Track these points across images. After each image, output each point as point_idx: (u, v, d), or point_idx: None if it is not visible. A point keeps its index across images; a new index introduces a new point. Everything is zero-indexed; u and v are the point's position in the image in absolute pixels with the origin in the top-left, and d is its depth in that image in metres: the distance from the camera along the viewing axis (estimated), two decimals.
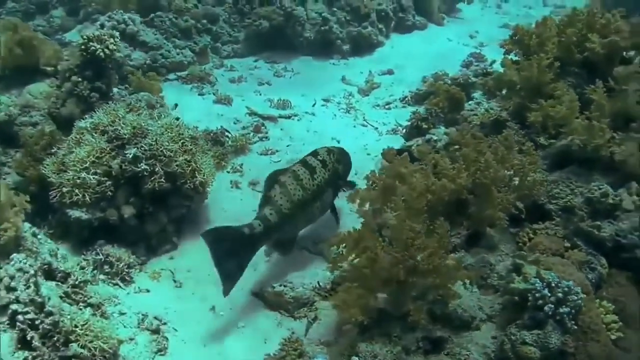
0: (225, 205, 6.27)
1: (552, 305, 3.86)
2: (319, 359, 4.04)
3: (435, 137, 6.43)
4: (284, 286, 5.38)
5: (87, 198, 5.42)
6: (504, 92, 6.29)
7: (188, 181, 5.66)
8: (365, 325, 4.11)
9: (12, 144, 6.32)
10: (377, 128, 7.68)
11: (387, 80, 8.96)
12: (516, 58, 6.26)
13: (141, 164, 5.47)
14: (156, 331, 4.97)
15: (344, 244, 4.24)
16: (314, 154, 5.83)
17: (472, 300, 4.31)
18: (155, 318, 5.08)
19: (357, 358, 3.95)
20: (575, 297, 3.90)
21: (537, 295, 3.91)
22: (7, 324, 4.19)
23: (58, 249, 5.02)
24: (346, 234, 4.24)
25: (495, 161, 4.71)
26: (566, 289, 3.90)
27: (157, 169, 5.50)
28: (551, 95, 5.77)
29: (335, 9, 9.62)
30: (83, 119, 5.86)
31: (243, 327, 5.17)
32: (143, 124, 5.63)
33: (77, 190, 5.42)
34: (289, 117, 7.79)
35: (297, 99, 8.28)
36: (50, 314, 4.30)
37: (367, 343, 4.04)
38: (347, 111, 8.04)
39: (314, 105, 8.23)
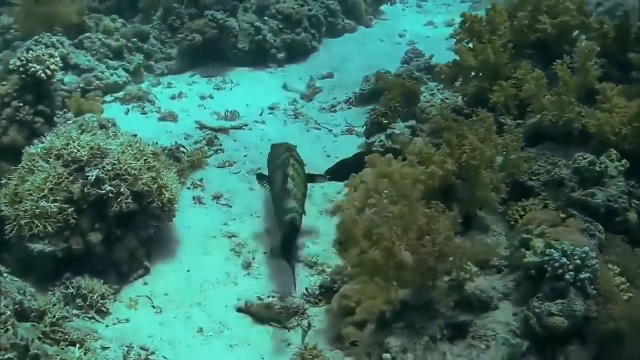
0: (192, 222, 5.81)
1: (573, 273, 3.72)
2: None
3: (397, 132, 6.20)
4: (272, 297, 5.00)
5: (49, 228, 4.85)
6: (460, 79, 6.18)
7: (156, 200, 5.18)
8: (385, 319, 3.84)
9: None
10: (331, 130, 7.40)
11: (327, 84, 8.71)
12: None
13: (105, 186, 4.95)
14: None
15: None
16: (288, 149, 5.70)
17: (483, 281, 4.09)
18: (142, 349, 4.59)
19: (389, 355, 3.62)
20: (593, 262, 3.78)
21: (556, 265, 3.76)
22: None
23: (26, 287, 4.46)
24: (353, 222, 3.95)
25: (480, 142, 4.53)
26: (583, 255, 3.77)
27: (122, 190, 4.99)
28: (509, 76, 5.70)
29: (266, 18, 9.27)
30: (32, 145, 5.28)
31: (236, 345, 4.74)
32: (102, 144, 5.11)
33: (37, 222, 4.85)
34: (240, 128, 7.40)
35: (243, 110, 7.90)
36: (36, 358, 3.77)
37: (394, 338, 3.73)
38: (296, 117, 7.73)
39: (261, 114, 7.86)
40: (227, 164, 6.68)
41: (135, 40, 8.79)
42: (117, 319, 4.87)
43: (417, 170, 4.47)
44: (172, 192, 5.27)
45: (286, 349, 4.70)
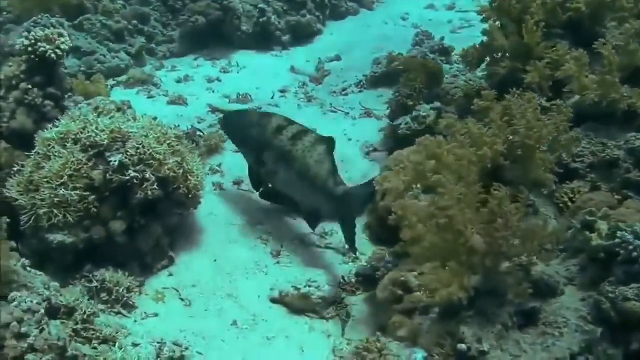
0: (214, 209, 5.41)
1: None
2: (417, 354, 3.33)
3: (422, 114, 5.86)
4: (309, 286, 4.64)
5: (69, 218, 4.43)
6: (487, 60, 5.86)
7: (181, 185, 4.77)
8: (452, 307, 3.53)
9: None
10: (348, 113, 7.02)
11: (336, 66, 8.32)
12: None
13: (129, 172, 4.53)
14: (180, 359, 4.09)
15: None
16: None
17: (545, 266, 3.78)
18: (175, 344, 4.19)
19: (464, 345, 3.30)
20: None
21: (629, 247, 3.45)
22: None
23: (50, 281, 4.03)
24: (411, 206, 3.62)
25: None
26: None
27: (147, 175, 4.58)
28: (541, 56, 5.40)
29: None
30: (45, 130, 4.83)
31: (273, 337, 4.39)
32: (122, 127, 4.68)
33: (56, 210, 4.42)
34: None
35: (254, 92, 7.48)
36: (75, 358, 3.38)
37: (467, 327, 3.43)
38: (308, 100, 7.33)
39: (272, 97, 7.46)
40: None
41: (135, 22, 8.29)
42: (145, 312, 4.48)
43: (468, 151, 4.14)
44: (197, 178, 4.87)
45: (326, 340, 4.39)
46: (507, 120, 4.38)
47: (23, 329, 3.27)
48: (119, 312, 4.45)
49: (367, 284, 4.70)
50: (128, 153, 4.55)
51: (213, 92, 7.57)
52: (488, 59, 5.87)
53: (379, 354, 3.44)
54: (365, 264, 4.79)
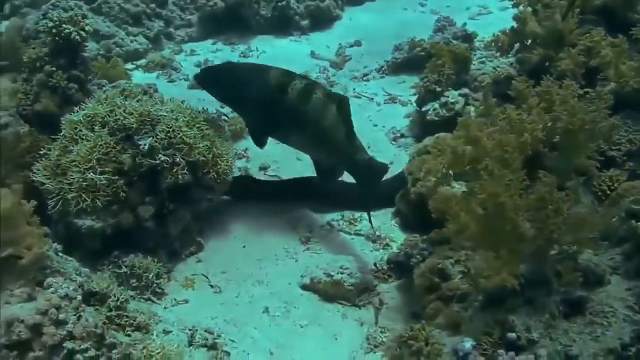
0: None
1: None
2: (466, 343, 3.21)
3: (451, 100, 5.73)
4: (342, 274, 4.52)
5: (98, 203, 4.31)
6: (517, 46, 5.70)
7: (211, 171, 4.64)
8: (498, 294, 3.42)
9: None
10: (372, 99, 6.88)
11: (356, 52, 8.15)
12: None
13: (159, 156, 4.40)
14: (213, 347, 3.99)
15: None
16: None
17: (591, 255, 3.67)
18: (207, 331, 4.09)
19: (514, 335, 3.19)
20: None
21: None
22: None
23: (81, 267, 3.91)
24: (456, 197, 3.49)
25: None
26: None
27: (178, 160, 4.45)
28: (574, 43, 5.25)
29: None
30: (72, 113, 4.69)
31: (306, 325, 4.29)
32: (152, 111, 4.54)
33: (84, 195, 4.30)
34: None
35: None
36: (113, 346, 3.26)
37: (516, 316, 3.31)
38: (331, 85, 7.17)
39: None
40: None
41: (153, 5, 8.14)
42: (175, 299, 4.38)
43: (508, 137, 4.00)
44: (227, 163, 4.74)
45: (359, 329, 4.28)
46: (547, 107, 4.26)
47: (61, 316, 3.15)
48: (149, 299, 4.35)
49: (399, 272, 4.60)
50: (158, 137, 4.43)
51: None
52: (517, 45, 5.73)
53: (426, 343, 3.31)
54: (397, 251, 4.66)
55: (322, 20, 8.88)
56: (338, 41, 8.33)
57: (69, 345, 3.11)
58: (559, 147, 4.13)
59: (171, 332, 4.06)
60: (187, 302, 4.37)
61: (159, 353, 3.30)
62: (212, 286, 4.53)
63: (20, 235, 3.31)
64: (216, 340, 4.02)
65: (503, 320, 3.30)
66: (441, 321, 3.88)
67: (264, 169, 5.69)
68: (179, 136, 4.48)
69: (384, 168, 4.87)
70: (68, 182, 4.32)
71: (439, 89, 5.79)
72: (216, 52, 8.07)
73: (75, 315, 3.22)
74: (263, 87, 4.79)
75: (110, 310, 3.68)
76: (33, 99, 5.17)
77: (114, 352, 3.24)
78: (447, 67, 5.90)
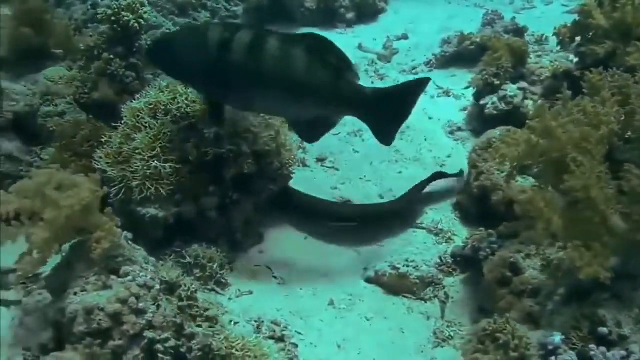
0: (299, 185, 5.13)
1: None
2: (555, 337, 3.07)
3: (510, 94, 5.58)
4: (407, 266, 4.39)
5: (162, 191, 4.20)
6: (577, 39, 5.52)
7: (275, 160, 4.52)
8: (583, 288, 3.32)
9: (35, 140, 4.99)
10: (425, 92, 6.68)
11: (403, 45, 7.97)
12: None
13: (225, 145, 4.29)
14: (281, 339, 3.86)
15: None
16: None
17: None
18: (273, 323, 3.96)
19: (605, 329, 3.05)
20: None
21: None
22: (142, 358, 3.01)
23: (149, 257, 3.81)
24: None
25: None
26: None
27: (243, 149, 4.33)
28: None
29: None
30: (132, 101, 4.59)
31: (372, 318, 4.16)
32: None
33: (148, 183, 4.19)
34: None
35: None
36: (192, 336, 3.15)
37: (605, 310, 3.19)
38: (381, 78, 7.04)
39: None
40: None
41: None
42: (239, 290, 4.26)
43: (589, 129, 3.84)
44: (290, 153, 4.62)
45: (425, 322, 4.16)
46: (622, 100, 4.10)
47: (141, 305, 3.05)
48: (212, 290, 4.24)
49: (464, 265, 4.47)
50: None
51: None
52: (578, 38, 5.55)
53: (512, 336, 3.17)
54: (462, 244, 4.53)
55: (367, 13, 8.71)
56: (383, 34, 8.16)
57: (149, 334, 3.01)
58: (634, 140, 3.98)
59: (238, 322, 3.95)
60: (251, 293, 4.25)
61: (239, 344, 3.17)
62: (275, 277, 4.42)
63: (95, 223, 3.23)
64: (283, 332, 3.91)
65: (591, 314, 3.17)
66: (515, 315, 3.75)
67: (321, 160, 5.56)
68: (245, 125, 4.36)
69: (416, 84, 4.24)
70: (132, 169, 4.23)
71: (497, 82, 5.63)
72: None
73: (154, 304, 3.12)
74: (203, 49, 4.03)
75: (181, 300, 3.56)
76: (90, 86, 5.08)
77: (192, 342, 3.13)
78: (504, 60, 5.73)
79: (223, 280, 4.28)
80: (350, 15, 8.54)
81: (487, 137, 4.93)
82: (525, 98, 5.61)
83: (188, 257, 4.23)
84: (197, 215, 4.38)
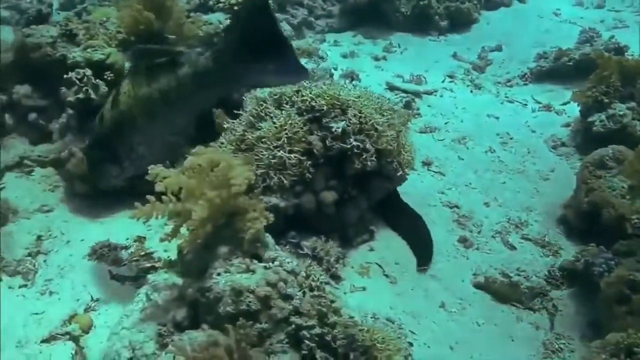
0: (407, 188, 5.09)
1: None
2: None
3: (619, 112, 5.47)
4: (519, 275, 4.35)
5: (285, 181, 4.21)
6: None
7: (394, 160, 4.50)
8: None
9: None
10: (526, 105, 6.64)
11: (497, 56, 7.91)
12: None
13: (350, 140, 4.28)
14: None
15: None
16: None
17: None
18: (388, 320, 3.95)
19: None
20: None
21: None
22: (286, 343, 3.01)
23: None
24: None
25: None
26: None
27: (367, 146, 4.32)
28: None
29: None
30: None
31: (483, 324, 4.12)
32: (341, 94, 4.42)
33: (272, 173, 4.21)
34: (431, 93, 6.66)
35: (424, 75, 7.13)
36: (333, 326, 3.14)
37: None
38: (478, 88, 6.97)
39: (443, 82, 7.11)
40: (428, 129, 5.97)
41: None
42: (353, 285, 4.25)
43: None
44: (410, 153, 4.60)
45: (534, 332, 4.11)
46: None
47: (289, 290, 3.07)
48: (327, 283, 4.22)
49: (571, 280, 4.42)
50: (351, 121, 4.31)
51: (382, 70, 7.30)
52: None
53: None
54: (572, 258, 4.46)
55: (460, 22, 8.65)
56: (476, 44, 8.11)
57: (296, 320, 3.01)
58: None
59: (353, 317, 3.93)
60: (364, 289, 4.23)
61: (380, 336, 3.16)
62: (386, 276, 4.39)
63: (245, 205, 3.26)
64: (397, 331, 3.89)
65: None
66: None
67: (427, 164, 5.52)
68: (370, 122, 4.34)
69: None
70: (256, 157, 4.25)
71: (606, 100, 5.53)
72: (358, 45, 7.95)
73: (300, 290, 3.13)
74: None
75: (311, 290, 3.57)
76: None
77: (335, 331, 3.12)
78: (614, 79, 5.63)
79: (338, 274, 4.27)
80: (443, 23, 8.49)
81: (599, 154, 4.86)
82: (634, 118, 5.50)
83: (305, 249, 4.23)
84: (315, 208, 4.36)
